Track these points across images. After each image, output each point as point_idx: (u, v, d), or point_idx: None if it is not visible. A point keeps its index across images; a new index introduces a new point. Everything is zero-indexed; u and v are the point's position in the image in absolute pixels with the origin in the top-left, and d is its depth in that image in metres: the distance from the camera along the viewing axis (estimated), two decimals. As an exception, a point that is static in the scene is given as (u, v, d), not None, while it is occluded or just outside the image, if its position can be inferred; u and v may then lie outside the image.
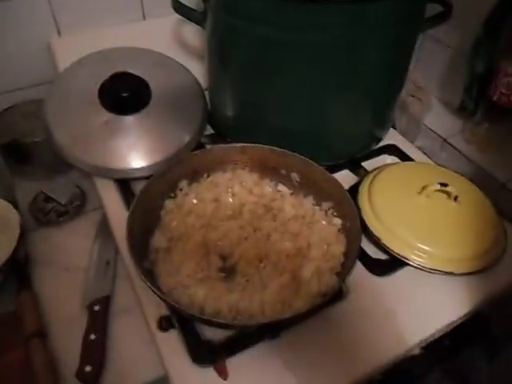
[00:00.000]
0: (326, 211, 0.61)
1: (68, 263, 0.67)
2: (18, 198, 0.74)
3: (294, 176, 0.63)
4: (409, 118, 0.81)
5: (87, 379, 0.53)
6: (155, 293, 0.47)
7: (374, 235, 0.59)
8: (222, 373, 0.47)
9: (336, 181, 0.59)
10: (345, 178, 0.69)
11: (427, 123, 0.80)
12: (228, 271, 0.55)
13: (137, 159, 0.67)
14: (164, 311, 0.52)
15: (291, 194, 0.64)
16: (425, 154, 0.77)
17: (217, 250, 0.57)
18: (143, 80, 0.70)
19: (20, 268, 0.65)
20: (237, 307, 0.49)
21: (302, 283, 0.53)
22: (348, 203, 0.57)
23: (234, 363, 0.48)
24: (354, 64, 0.59)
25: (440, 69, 0.83)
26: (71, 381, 0.53)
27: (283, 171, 0.64)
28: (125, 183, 0.67)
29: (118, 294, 0.63)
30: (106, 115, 0.68)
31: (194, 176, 0.63)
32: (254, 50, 0.61)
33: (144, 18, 0.86)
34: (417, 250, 0.57)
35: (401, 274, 0.58)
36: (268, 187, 0.64)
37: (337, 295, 0.54)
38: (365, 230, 0.60)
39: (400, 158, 0.75)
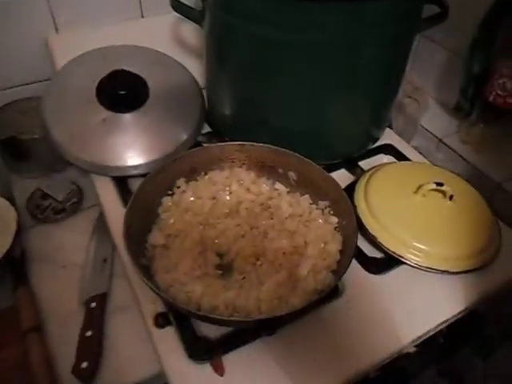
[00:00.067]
0: (323, 210, 0.61)
1: (65, 260, 0.67)
2: (15, 195, 0.74)
3: (291, 175, 0.64)
4: (405, 118, 0.82)
5: (83, 375, 0.53)
6: (152, 289, 0.47)
7: (370, 234, 0.60)
8: (219, 369, 0.48)
9: (333, 180, 0.60)
10: (341, 177, 0.69)
11: (423, 123, 0.81)
12: (225, 268, 0.56)
13: (134, 157, 0.67)
14: (160, 308, 0.52)
15: (288, 192, 0.64)
16: (421, 153, 0.78)
17: (214, 247, 0.57)
18: (141, 78, 0.70)
19: (16, 264, 0.65)
20: (233, 304, 0.50)
21: (298, 281, 0.53)
22: (344, 202, 0.57)
23: (230, 360, 0.49)
24: (352, 63, 0.60)
25: (436, 69, 0.84)
26: (67, 377, 0.54)
27: (280, 170, 0.64)
28: (122, 181, 0.67)
29: (114, 292, 0.64)
30: (104, 113, 0.68)
31: (192, 174, 0.63)
32: (251, 48, 0.61)
33: (142, 16, 0.86)
34: (412, 248, 0.58)
35: (396, 273, 0.58)
36: (265, 186, 0.64)
37: (333, 293, 0.54)
38: (361, 228, 0.60)
39: (396, 158, 0.75)
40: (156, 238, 0.56)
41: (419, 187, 0.61)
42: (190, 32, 0.83)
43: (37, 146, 0.75)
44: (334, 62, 0.59)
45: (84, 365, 0.53)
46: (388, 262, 0.59)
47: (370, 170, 0.69)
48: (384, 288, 0.57)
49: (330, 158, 0.71)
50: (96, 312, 0.59)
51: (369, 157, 0.75)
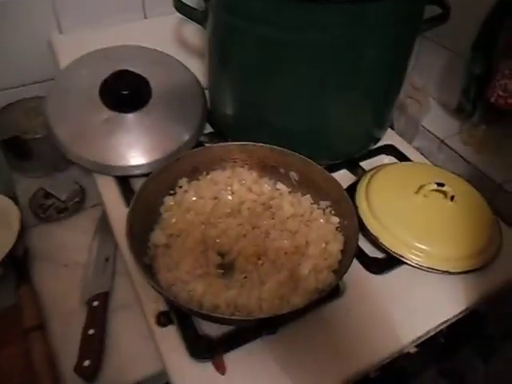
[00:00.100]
0: (324, 210, 0.61)
1: (67, 259, 0.67)
2: (18, 194, 0.75)
3: (293, 175, 0.64)
4: (407, 119, 0.82)
5: (85, 374, 0.53)
6: (154, 288, 0.47)
7: (372, 234, 0.60)
8: (220, 367, 0.48)
9: (334, 180, 0.60)
10: (343, 177, 0.70)
11: (425, 124, 0.81)
12: (226, 268, 0.56)
13: (137, 156, 0.67)
14: (162, 307, 0.53)
15: (290, 192, 0.64)
16: (422, 154, 0.78)
17: (215, 246, 0.57)
18: (144, 78, 0.71)
19: (19, 263, 0.65)
20: (235, 303, 0.50)
21: (299, 280, 0.53)
22: (346, 202, 0.57)
23: (231, 358, 0.49)
24: (353, 64, 0.60)
25: (438, 70, 0.84)
26: (70, 375, 0.54)
27: (282, 170, 0.64)
28: (124, 180, 0.67)
29: (117, 291, 0.64)
30: (107, 113, 0.68)
31: (194, 174, 0.63)
32: (254, 49, 0.61)
33: (145, 16, 0.87)
34: (414, 248, 0.58)
35: (397, 273, 0.58)
36: (267, 185, 0.65)
37: (334, 292, 0.54)
38: (362, 228, 0.60)
39: (398, 159, 0.75)
40: (158, 237, 0.57)
41: (420, 188, 0.62)
42: (193, 33, 0.83)
43: (40, 146, 0.76)
44: (335, 63, 0.59)
45: (86, 363, 0.53)
46: (389, 262, 0.59)
47: (372, 170, 0.69)
48: (385, 288, 0.57)
49: (331, 158, 0.71)
50: (98, 310, 0.59)
51: (370, 157, 0.75)
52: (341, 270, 0.53)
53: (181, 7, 0.66)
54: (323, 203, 0.61)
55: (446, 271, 0.57)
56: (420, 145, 0.81)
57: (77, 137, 0.68)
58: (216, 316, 0.47)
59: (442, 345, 0.60)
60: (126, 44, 0.76)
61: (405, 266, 0.58)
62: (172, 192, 0.62)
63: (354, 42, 0.57)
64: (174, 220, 0.59)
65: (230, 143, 0.65)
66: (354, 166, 0.73)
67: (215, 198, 0.63)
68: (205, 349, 0.49)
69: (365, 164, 0.74)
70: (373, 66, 0.62)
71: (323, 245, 0.57)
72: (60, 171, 0.80)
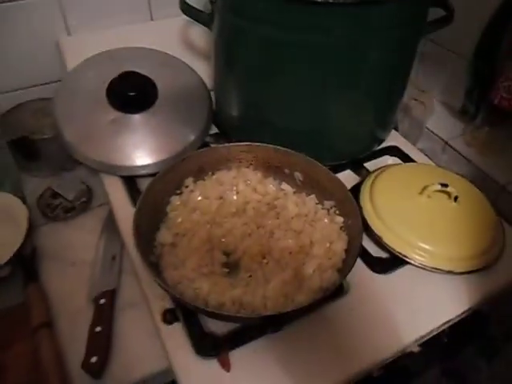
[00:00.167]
0: (329, 210, 0.62)
1: (74, 258, 0.68)
2: (26, 194, 0.75)
3: (298, 175, 0.65)
4: (411, 121, 0.82)
5: (93, 370, 0.54)
6: (160, 285, 0.48)
7: (376, 234, 0.61)
8: (225, 365, 0.48)
9: (339, 180, 0.60)
10: (347, 178, 0.70)
11: (429, 126, 0.81)
12: (232, 267, 0.56)
13: (143, 157, 0.68)
14: (168, 305, 0.53)
15: (294, 192, 0.65)
16: (426, 155, 0.78)
17: (221, 246, 0.58)
18: (150, 80, 0.71)
19: (27, 262, 0.66)
20: (240, 301, 0.51)
21: (304, 279, 0.54)
22: (350, 202, 0.58)
23: (236, 356, 0.50)
24: (356, 66, 0.60)
25: (442, 72, 0.84)
26: (77, 372, 0.55)
27: (287, 170, 0.65)
28: (131, 180, 0.68)
29: (123, 289, 0.64)
30: (114, 113, 0.69)
31: (200, 174, 0.64)
32: (259, 51, 0.62)
33: (152, 18, 0.88)
34: (417, 248, 0.58)
35: (401, 272, 0.59)
36: (272, 186, 0.65)
37: (338, 291, 0.55)
38: (366, 228, 0.61)
39: (402, 160, 0.76)
40: (164, 236, 0.57)
41: (424, 188, 0.62)
42: (199, 35, 0.84)
43: (47, 146, 0.77)
44: (339, 65, 0.60)
45: (93, 359, 0.54)
46: (393, 262, 0.59)
47: (376, 171, 0.70)
48: (388, 287, 0.57)
49: (335, 158, 0.72)
50: (105, 308, 0.60)
51: (374, 158, 0.75)
52: (345, 269, 0.53)
53: (187, 9, 0.67)
54: (327, 203, 0.62)
55: (449, 271, 0.57)
56: (424, 146, 0.81)
57: (84, 137, 0.68)
58: (221, 313, 0.48)
59: (445, 344, 0.61)
60: (133, 46, 0.77)
61: (408, 266, 0.59)
62: (178, 192, 0.62)
63: (358, 44, 0.57)
64: (180, 219, 0.60)
65: (235, 144, 0.65)
66: (358, 167, 0.74)
67: (221, 198, 0.64)
68: (210, 346, 0.50)
69: (369, 165, 0.74)
70: (376, 68, 0.62)
71: (327, 244, 0.57)
72: (67, 171, 0.81)
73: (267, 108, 0.67)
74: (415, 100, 0.81)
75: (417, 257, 0.58)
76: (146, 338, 0.58)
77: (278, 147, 0.63)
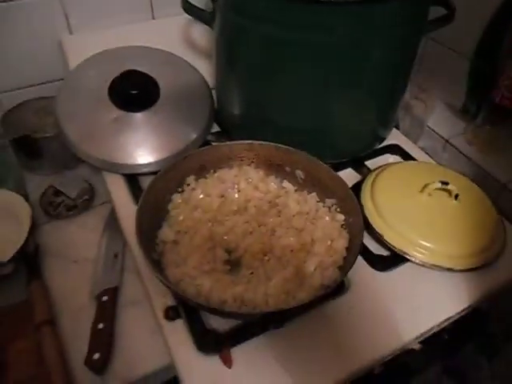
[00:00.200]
0: (330, 207, 0.62)
1: (77, 255, 0.69)
2: (29, 192, 0.76)
3: (299, 173, 0.65)
4: (412, 120, 0.83)
5: (95, 366, 0.54)
6: (162, 282, 0.48)
7: (377, 232, 0.61)
8: (227, 361, 0.49)
9: (340, 178, 0.60)
10: (348, 176, 0.70)
11: (430, 124, 0.81)
12: (233, 264, 0.57)
13: (145, 155, 0.68)
14: (170, 302, 0.54)
15: (296, 190, 0.65)
16: (427, 154, 0.79)
17: (223, 243, 0.58)
18: (152, 78, 0.72)
19: (30, 259, 0.67)
20: (241, 298, 0.51)
21: (305, 277, 0.54)
22: (351, 200, 0.58)
23: (238, 352, 0.50)
24: (358, 64, 0.61)
25: (443, 71, 0.84)
26: (80, 368, 0.55)
27: (288, 168, 0.65)
28: (133, 178, 0.68)
29: (125, 287, 0.65)
30: (116, 112, 0.69)
31: (201, 172, 0.64)
32: (261, 49, 0.62)
33: (153, 17, 0.88)
34: (418, 246, 0.58)
35: (401, 270, 0.59)
36: (273, 184, 0.65)
37: (339, 288, 0.55)
38: (367, 226, 0.61)
39: (403, 158, 0.76)
40: (166, 234, 0.58)
41: (425, 186, 0.62)
42: (200, 33, 0.84)
43: (50, 145, 0.77)
44: (340, 63, 0.60)
45: (96, 356, 0.55)
46: (393, 260, 0.60)
47: (377, 169, 0.70)
48: (389, 285, 0.58)
49: (336, 157, 0.72)
50: (107, 305, 0.60)
51: (375, 156, 0.76)
52: (346, 266, 0.54)
53: (189, 8, 0.67)
54: (329, 201, 0.62)
55: (449, 268, 0.57)
56: (425, 145, 0.81)
57: (86, 135, 0.69)
58: (223, 310, 0.48)
59: (446, 342, 0.61)
60: (135, 45, 0.77)
61: (409, 264, 0.59)
62: (180, 190, 0.63)
63: (360, 42, 0.57)
64: (181, 217, 0.60)
65: (236, 142, 0.66)
66: (359, 165, 0.74)
67: (222, 196, 0.64)
68: (212, 343, 0.50)
69: (370, 163, 0.74)
70: (378, 67, 0.62)
71: (329, 242, 0.58)
72: (69, 169, 0.82)
73: (269, 106, 0.68)
74: (416, 98, 0.81)
75: (417, 254, 0.58)
76: (148, 335, 0.58)
77: (280, 145, 0.63)
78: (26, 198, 0.71)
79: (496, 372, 0.71)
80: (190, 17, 0.68)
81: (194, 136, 0.71)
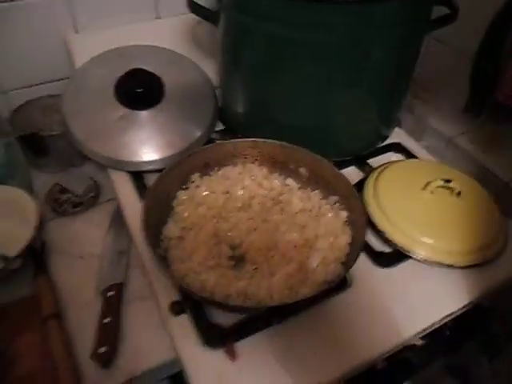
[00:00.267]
0: (333, 205, 0.62)
1: (82, 251, 0.70)
2: (36, 189, 0.77)
3: (302, 171, 0.65)
4: (415, 118, 0.83)
5: (101, 360, 0.55)
6: (168, 277, 0.49)
7: (379, 229, 0.61)
8: (232, 355, 0.49)
9: (343, 176, 0.61)
10: (351, 174, 0.71)
11: (432, 123, 0.82)
12: (237, 260, 0.57)
13: (150, 152, 0.69)
14: (175, 297, 0.54)
15: (299, 188, 0.65)
16: (429, 152, 0.79)
17: (227, 239, 0.59)
18: (157, 77, 0.72)
19: (37, 255, 0.67)
20: (245, 293, 0.52)
21: (308, 273, 0.55)
22: (354, 197, 0.58)
23: (242, 347, 0.50)
24: (359, 63, 0.61)
25: (446, 70, 0.85)
26: (86, 362, 0.56)
27: (292, 166, 0.66)
28: (138, 175, 0.69)
29: (131, 283, 0.66)
30: (121, 110, 0.70)
31: (206, 169, 0.65)
32: (265, 48, 0.62)
33: (158, 16, 0.89)
34: (420, 243, 0.59)
35: (403, 266, 0.60)
36: (277, 181, 0.66)
37: (341, 284, 0.56)
38: (370, 223, 0.62)
39: (405, 156, 0.76)
40: (171, 230, 0.58)
41: (427, 184, 0.63)
42: (205, 32, 0.85)
43: (56, 142, 0.78)
44: (341, 62, 0.60)
45: (102, 350, 0.55)
46: (395, 256, 0.60)
47: (379, 167, 0.71)
48: (391, 281, 0.58)
49: (339, 155, 0.72)
50: (113, 300, 0.61)
51: (378, 155, 0.76)
52: (348, 262, 0.54)
53: (194, 7, 0.68)
54: (332, 198, 0.63)
55: (450, 265, 0.58)
56: (427, 143, 0.82)
57: (92, 133, 0.69)
58: (228, 304, 0.49)
59: (448, 338, 0.61)
60: (140, 44, 0.78)
61: (410, 260, 0.59)
62: (184, 187, 0.63)
63: (361, 41, 0.58)
64: (186, 214, 0.61)
65: (240, 140, 0.66)
66: (362, 163, 0.74)
67: (226, 193, 0.64)
68: (217, 337, 0.51)
69: (373, 161, 0.75)
70: (379, 66, 0.63)
71: (332, 238, 0.58)
72: (75, 167, 0.83)
73: (272, 105, 0.68)
74: (419, 98, 0.82)
75: (419, 251, 0.59)
76: (154, 329, 0.59)
77: (284, 143, 0.64)
78: (33, 195, 0.72)
79: (498, 371, 0.71)
80: (195, 16, 0.69)
81: (199, 134, 0.72)
